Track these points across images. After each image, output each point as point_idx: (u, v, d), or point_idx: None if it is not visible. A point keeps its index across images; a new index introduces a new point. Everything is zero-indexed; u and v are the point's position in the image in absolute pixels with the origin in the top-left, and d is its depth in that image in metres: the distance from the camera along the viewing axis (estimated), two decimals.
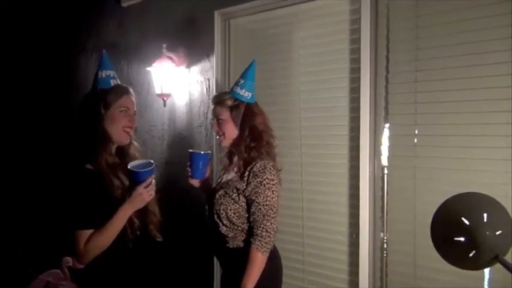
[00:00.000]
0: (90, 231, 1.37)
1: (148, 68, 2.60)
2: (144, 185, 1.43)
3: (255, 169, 1.49)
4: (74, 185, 1.38)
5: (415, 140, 1.78)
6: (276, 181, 1.50)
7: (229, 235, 1.54)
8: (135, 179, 1.44)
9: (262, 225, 1.45)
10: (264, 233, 1.45)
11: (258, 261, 1.43)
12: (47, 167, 2.92)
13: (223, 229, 1.54)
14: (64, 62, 3.28)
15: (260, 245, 1.44)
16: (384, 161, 1.85)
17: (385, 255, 1.83)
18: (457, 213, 0.81)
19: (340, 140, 2.02)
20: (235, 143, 1.56)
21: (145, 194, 1.44)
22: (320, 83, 2.07)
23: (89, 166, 1.40)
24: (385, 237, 1.84)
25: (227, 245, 1.56)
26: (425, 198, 1.73)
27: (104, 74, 1.48)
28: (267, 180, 1.48)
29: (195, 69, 2.55)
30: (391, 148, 1.85)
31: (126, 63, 2.92)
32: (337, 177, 2.02)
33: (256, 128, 1.54)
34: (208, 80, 2.47)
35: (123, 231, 1.43)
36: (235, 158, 1.55)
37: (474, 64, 1.59)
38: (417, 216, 1.76)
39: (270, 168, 1.50)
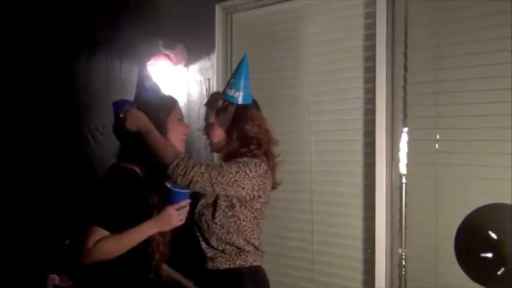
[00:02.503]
0: (105, 232, 1.39)
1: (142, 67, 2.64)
2: (176, 206, 1.46)
3: (241, 158, 1.48)
4: (112, 182, 1.42)
5: (437, 146, 1.78)
6: (257, 175, 1.45)
7: (209, 254, 1.53)
8: (170, 197, 1.46)
9: (202, 166, 1.40)
10: (193, 169, 1.39)
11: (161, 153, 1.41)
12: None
13: (203, 245, 1.55)
14: (50, 60, 3.35)
15: (178, 167, 1.39)
16: (402, 168, 1.86)
17: (403, 273, 1.82)
18: (483, 227, 0.81)
19: (353, 146, 2.02)
20: (223, 150, 1.57)
21: (175, 216, 1.46)
22: (331, 83, 2.08)
23: (136, 168, 1.45)
24: (404, 253, 1.83)
25: (207, 265, 1.55)
26: (448, 210, 1.72)
27: (149, 84, 1.64)
28: (244, 163, 1.45)
29: (194, 68, 2.56)
30: (410, 155, 1.86)
31: (118, 62, 2.94)
32: (350, 187, 2.02)
33: (245, 134, 1.53)
34: (208, 80, 2.48)
35: (147, 257, 1.46)
36: None
37: (504, 62, 1.58)
38: (439, 230, 1.75)
39: (256, 163, 1.47)
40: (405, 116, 1.85)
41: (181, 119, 1.59)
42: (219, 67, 2.43)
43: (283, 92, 2.22)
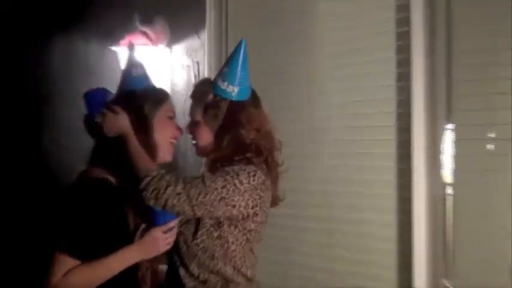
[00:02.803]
0: (75, 261, 1.40)
1: (113, 48, 2.65)
2: (164, 228, 1.48)
3: (234, 163, 1.50)
4: (81, 196, 1.43)
5: (490, 147, 1.79)
6: (251, 188, 1.46)
7: (189, 285, 1.54)
8: (154, 218, 1.48)
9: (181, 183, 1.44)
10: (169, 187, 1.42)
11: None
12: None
13: (181, 272, 1.56)
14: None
15: (151, 183, 1.43)
16: (447, 176, 1.87)
17: None
18: None
19: (383, 147, 2.02)
20: (211, 155, 1.58)
21: (162, 240, 1.48)
22: (353, 68, 2.07)
23: (110, 178, 1.46)
24: (450, 286, 1.84)
25: None
26: (507, 229, 1.71)
27: (137, 72, 1.59)
28: (232, 173, 1.46)
29: (180, 49, 2.59)
30: (456, 158, 1.85)
31: (83, 43, 3.00)
32: (379, 201, 2.02)
33: (240, 140, 1.53)
34: (198, 63, 2.50)
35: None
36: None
37: None
38: (495, 256, 1.75)
39: (250, 172, 1.48)
40: (449, 108, 1.86)
41: (171, 118, 1.60)
42: (211, 47, 2.45)
43: (289, 80, 2.22)
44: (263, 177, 1.50)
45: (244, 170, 1.47)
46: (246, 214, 1.49)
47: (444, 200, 1.85)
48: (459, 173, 1.84)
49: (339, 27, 2.11)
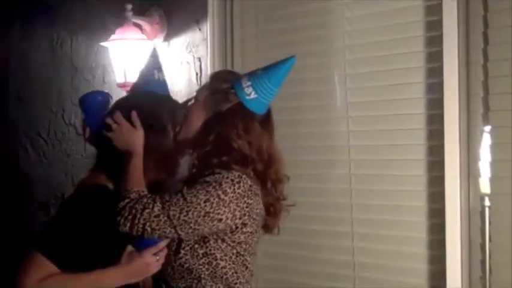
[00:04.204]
0: (54, 268, 1.44)
1: (103, 43, 2.64)
2: (154, 250, 1.51)
3: (215, 171, 1.53)
4: (77, 202, 1.52)
5: None
6: (236, 196, 1.49)
7: None
8: (139, 240, 1.51)
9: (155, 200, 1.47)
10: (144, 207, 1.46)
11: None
12: None
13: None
14: None
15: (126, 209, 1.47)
16: (484, 186, 1.86)
17: None
18: None
19: (411, 153, 2.01)
20: (190, 146, 1.63)
21: (153, 264, 1.52)
22: (378, 63, 2.08)
23: (110, 186, 1.54)
24: None
25: None
26: None
27: (159, 75, 1.69)
28: (215, 183, 1.48)
29: (179, 43, 2.57)
30: (494, 165, 1.84)
31: (68, 36, 2.95)
32: (408, 213, 2.01)
33: (226, 138, 1.57)
34: (200, 60, 2.49)
35: None
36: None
37: None
38: None
39: (234, 179, 1.50)
40: (487, 109, 1.85)
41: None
42: (214, 41, 2.45)
43: (307, 75, 2.22)
44: (249, 182, 1.52)
45: (227, 177, 1.49)
46: (234, 226, 1.51)
47: (482, 213, 1.85)
48: (498, 183, 1.83)
49: (359, 16, 2.13)
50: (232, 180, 1.49)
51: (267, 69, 1.59)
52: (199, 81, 2.51)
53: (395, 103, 2.06)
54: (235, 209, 1.48)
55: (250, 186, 1.52)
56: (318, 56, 2.27)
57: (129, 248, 1.53)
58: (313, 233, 2.25)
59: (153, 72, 1.67)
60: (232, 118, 1.56)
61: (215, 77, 1.68)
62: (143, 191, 1.50)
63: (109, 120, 1.56)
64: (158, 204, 1.45)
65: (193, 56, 2.54)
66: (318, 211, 2.22)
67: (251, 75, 1.60)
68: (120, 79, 2.62)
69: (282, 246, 2.21)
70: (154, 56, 1.72)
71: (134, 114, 1.56)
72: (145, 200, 1.46)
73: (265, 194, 1.61)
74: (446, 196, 1.89)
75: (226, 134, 1.55)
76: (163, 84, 1.69)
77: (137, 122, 1.55)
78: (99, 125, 1.62)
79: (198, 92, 1.66)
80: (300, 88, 2.22)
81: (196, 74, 2.53)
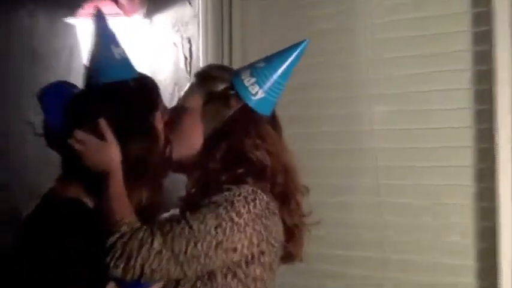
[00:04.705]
0: None
1: (69, 20, 2.60)
2: None
3: (223, 188, 1.45)
4: (43, 224, 1.42)
5: None
6: (253, 217, 1.42)
7: None
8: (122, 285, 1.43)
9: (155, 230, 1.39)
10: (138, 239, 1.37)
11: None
12: None
13: None
14: None
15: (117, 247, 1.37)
16: None
17: None
18: None
19: (455, 158, 2.00)
20: (189, 170, 1.54)
21: None
22: (410, 46, 2.07)
23: (85, 199, 1.44)
24: None
25: None
26: None
27: (118, 51, 1.51)
28: (226, 202, 1.41)
29: (164, 20, 2.53)
30: None
31: (26, 13, 2.90)
32: (452, 229, 2.00)
33: (239, 148, 1.50)
34: (189, 41, 2.42)
35: None
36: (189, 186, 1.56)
37: None
38: None
39: (247, 197, 1.43)
40: None
41: (165, 108, 1.58)
42: (207, 18, 2.38)
43: (322, 59, 2.19)
44: (265, 198, 1.44)
45: (239, 194, 1.41)
46: (250, 256, 1.44)
47: None
48: None
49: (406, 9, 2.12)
50: (245, 198, 1.40)
51: (273, 59, 1.52)
52: (188, 68, 2.46)
53: (431, 96, 2.05)
54: (251, 234, 1.41)
55: (267, 203, 1.44)
56: (338, 34, 2.24)
57: (111, 286, 1.44)
58: (336, 260, 2.21)
59: (109, 49, 1.50)
60: (241, 126, 1.49)
61: (204, 76, 1.59)
62: (135, 222, 1.40)
63: (71, 141, 1.43)
64: (158, 237, 1.37)
65: (182, 36, 2.47)
66: (341, 229, 2.18)
67: (253, 68, 1.53)
68: None
69: (300, 275, 2.11)
70: (103, 26, 1.54)
71: (102, 123, 1.42)
72: (141, 233, 1.37)
73: (287, 213, 1.53)
74: (498, 209, 1.87)
75: (239, 146, 1.48)
76: (126, 63, 1.52)
77: (108, 133, 1.42)
78: (63, 127, 1.50)
79: (186, 97, 1.57)
80: (312, 76, 2.17)
81: (186, 58, 2.45)
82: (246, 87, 1.49)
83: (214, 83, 1.53)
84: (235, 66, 2.24)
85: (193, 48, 2.43)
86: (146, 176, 1.48)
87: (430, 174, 2.05)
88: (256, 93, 1.49)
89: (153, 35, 2.54)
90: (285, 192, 1.51)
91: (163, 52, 2.52)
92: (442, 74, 2.03)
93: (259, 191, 1.43)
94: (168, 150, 1.55)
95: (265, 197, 1.43)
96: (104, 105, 1.46)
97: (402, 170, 2.11)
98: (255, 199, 1.41)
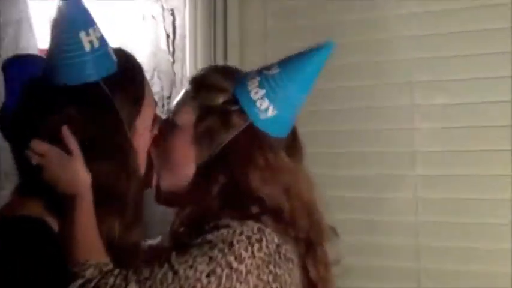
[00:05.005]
0: None
1: None
2: None
3: (220, 223, 1.34)
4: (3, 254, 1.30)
5: None
6: (257, 264, 1.30)
7: None
8: None
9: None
10: None
11: None
12: None
13: None
14: None
15: None
16: None
17: None
18: None
19: (496, 166, 1.95)
20: (183, 205, 1.41)
21: None
22: (455, 44, 2.02)
23: (49, 218, 1.33)
24: None
25: None
26: None
27: (89, 39, 1.33)
28: (222, 243, 1.30)
29: None
30: None
31: None
32: (491, 250, 1.95)
33: (242, 185, 1.37)
34: (173, 13, 2.33)
35: None
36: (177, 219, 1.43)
37: None
38: None
39: (251, 237, 1.30)
40: None
41: (156, 115, 1.47)
42: None
43: (354, 62, 2.15)
44: (276, 240, 1.30)
45: (241, 233, 1.27)
46: None
47: None
48: None
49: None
50: (249, 238, 1.26)
51: (290, 64, 1.37)
52: (171, 48, 2.34)
53: (477, 94, 1.99)
54: (256, 285, 1.27)
55: (278, 246, 1.29)
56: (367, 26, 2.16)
57: None
58: None
59: (77, 36, 1.31)
60: (245, 153, 1.36)
61: (199, 83, 1.44)
62: (105, 263, 1.28)
63: (27, 153, 1.30)
64: (133, 285, 1.25)
65: (163, 7, 2.34)
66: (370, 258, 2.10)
67: (263, 76, 1.37)
68: (43, 43, 2.38)
69: None
70: (74, 4, 1.34)
71: (65, 131, 1.28)
72: (111, 279, 1.26)
73: (312, 263, 1.40)
74: None
75: (243, 180, 1.34)
76: (99, 57, 1.33)
77: (73, 145, 1.28)
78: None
79: (177, 110, 1.44)
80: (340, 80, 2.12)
81: (168, 36, 2.33)
82: (253, 102, 1.33)
83: (210, 94, 1.37)
84: (231, 45, 2.16)
85: (177, 23, 2.32)
86: (119, 202, 1.34)
87: (463, 188, 1.98)
88: (266, 109, 1.33)
89: (124, 5, 2.37)
90: (309, 238, 1.38)
91: (138, 28, 2.37)
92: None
93: (267, 230, 1.27)
94: (153, 176, 1.44)
95: (275, 238, 1.28)
96: (67, 109, 1.30)
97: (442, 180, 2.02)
98: (261, 240, 1.26)
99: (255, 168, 1.33)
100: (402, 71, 2.10)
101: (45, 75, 1.35)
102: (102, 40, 1.32)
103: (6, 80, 1.50)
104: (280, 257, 1.28)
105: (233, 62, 2.15)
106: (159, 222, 1.54)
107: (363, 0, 2.17)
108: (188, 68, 2.19)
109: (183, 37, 2.26)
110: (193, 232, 1.31)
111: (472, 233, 1.99)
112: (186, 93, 1.42)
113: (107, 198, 1.32)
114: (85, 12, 1.33)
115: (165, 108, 2.34)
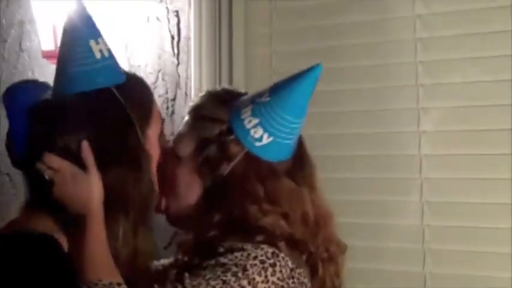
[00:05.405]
0: None
1: None
2: None
3: (234, 246, 1.35)
4: (7, 267, 1.28)
5: None
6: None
7: None
8: None
9: None
10: None
11: None
12: None
13: None
14: None
15: None
16: None
17: None
18: None
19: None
20: (189, 230, 1.44)
21: None
22: (466, 44, 2.01)
23: (58, 235, 1.32)
24: None
25: None
26: None
27: (99, 48, 1.35)
28: (238, 270, 1.31)
29: None
30: None
31: None
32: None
33: (242, 216, 1.38)
34: (177, 14, 2.31)
35: None
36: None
37: None
38: None
39: (265, 262, 1.32)
40: None
41: (162, 135, 1.48)
42: None
43: (359, 63, 2.13)
44: (290, 264, 1.32)
45: (255, 257, 1.29)
46: None
47: None
48: None
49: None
50: (262, 262, 1.28)
51: (280, 90, 1.39)
52: (175, 50, 2.31)
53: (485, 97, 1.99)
54: None
55: (292, 270, 1.31)
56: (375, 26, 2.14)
57: None
58: None
59: (87, 45, 1.32)
60: (242, 184, 1.37)
61: (195, 114, 1.48)
62: (119, 283, 1.28)
63: (40, 167, 1.28)
64: None
65: (167, 8, 2.33)
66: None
67: (255, 104, 1.39)
68: (47, 45, 2.39)
69: None
70: (83, 14, 1.35)
71: (85, 147, 1.28)
72: None
73: (328, 277, 1.42)
74: None
75: (240, 212, 1.36)
76: (110, 64, 1.34)
77: (91, 162, 1.27)
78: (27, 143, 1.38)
79: (178, 140, 1.48)
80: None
81: (172, 37, 2.31)
82: (247, 131, 1.34)
83: (207, 126, 1.40)
84: (237, 45, 2.15)
85: (182, 24, 2.30)
86: (128, 207, 1.33)
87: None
88: (261, 137, 1.34)
89: (129, 7, 2.36)
90: (322, 260, 1.40)
91: (142, 29, 2.36)
92: None
93: (281, 255, 1.28)
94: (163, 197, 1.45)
95: (289, 263, 1.30)
96: (85, 122, 1.31)
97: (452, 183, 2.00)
98: (275, 264, 1.28)
99: (253, 201, 1.34)
100: (408, 74, 2.09)
101: (57, 86, 1.36)
102: (110, 51, 1.34)
103: (8, 108, 1.44)
104: (294, 282, 1.30)
105: (238, 64, 2.16)
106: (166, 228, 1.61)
107: (369, 1, 2.15)
108: (193, 70, 2.19)
109: (188, 39, 2.25)
110: (200, 256, 1.32)
111: (480, 237, 1.96)
112: (186, 124, 1.44)
113: (117, 203, 1.33)
114: (93, 23, 1.34)
115: (169, 110, 2.35)
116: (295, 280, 1.30)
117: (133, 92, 1.35)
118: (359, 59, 2.15)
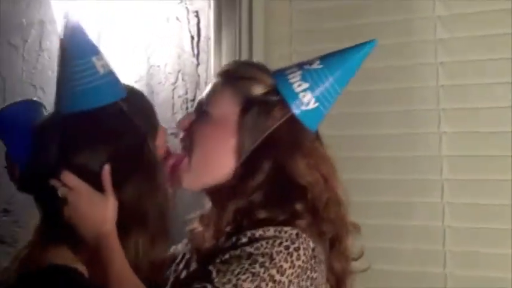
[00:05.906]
0: None
1: None
2: None
3: (257, 234, 1.33)
4: None
5: None
6: (297, 272, 1.32)
7: None
8: None
9: None
10: None
11: None
12: None
13: None
14: None
15: None
16: None
17: None
18: None
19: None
20: (223, 195, 1.40)
21: None
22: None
23: (80, 267, 1.31)
24: None
25: None
26: None
27: (101, 63, 1.34)
28: (265, 260, 1.29)
29: None
30: None
31: None
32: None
33: (291, 173, 1.37)
34: (197, 15, 2.30)
35: None
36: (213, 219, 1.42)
37: None
38: None
39: (289, 246, 1.31)
40: None
41: (166, 144, 1.45)
42: None
43: (379, 64, 2.08)
44: (311, 244, 1.31)
45: (280, 243, 1.28)
46: None
47: None
48: None
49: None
50: (287, 248, 1.27)
51: (331, 59, 1.40)
52: (195, 51, 2.31)
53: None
54: None
55: (313, 250, 1.31)
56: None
57: None
58: None
59: (90, 61, 1.31)
60: (291, 140, 1.37)
61: (235, 75, 1.44)
62: None
63: (54, 183, 1.25)
64: None
65: (187, 8, 2.33)
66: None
67: (304, 70, 1.39)
68: None
69: None
70: (78, 31, 1.33)
71: (107, 172, 1.26)
72: None
73: (336, 258, 1.42)
74: None
75: (289, 165, 1.35)
76: (113, 79, 1.33)
77: (109, 185, 1.26)
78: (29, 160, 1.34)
79: (214, 102, 1.42)
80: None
81: (192, 37, 2.31)
82: (296, 94, 1.34)
83: (251, 85, 1.37)
84: (257, 45, 2.18)
85: (202, 24, 2.31)
86: (144, 218, 1.31)
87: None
88: (308, 102, 1.35)
89: (149, 7, 2.37)
90: (334, 232, 1.40)
91: (162, 30, 2.36)
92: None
93: (303, 236, 1.27)
94: (181, 164, 1.41)
95: (311, 243, 1.29)
96: (102, 140, 1.30)
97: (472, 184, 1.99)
98: (299, 248, 1.27)
99: (302, 154, 1.34)
100: (429, 75, 2.10)
101: (64, 103, 1.34)
102: (110, 65, 1.34)
103: (3, 131, 1.42)
104: (315, 261, 1.29)
105: None
106: (181, 227, 1.59)
107: (389, 2, 2.15)
108: (213, 70, 2.17)
109: (208, 39, 2.25)
110: (225, 244, 1.31)
111: (501, 238, 1.94)
112: (219, 85, 1.41)
113: (135, 217, 1.33)
114: (90, 40, 1.34)
115: (190, 104, 2.37)
116: (317, 260, 1.30)
117: (138, 105, 1.35)
118: (379, 60, 2.07)
